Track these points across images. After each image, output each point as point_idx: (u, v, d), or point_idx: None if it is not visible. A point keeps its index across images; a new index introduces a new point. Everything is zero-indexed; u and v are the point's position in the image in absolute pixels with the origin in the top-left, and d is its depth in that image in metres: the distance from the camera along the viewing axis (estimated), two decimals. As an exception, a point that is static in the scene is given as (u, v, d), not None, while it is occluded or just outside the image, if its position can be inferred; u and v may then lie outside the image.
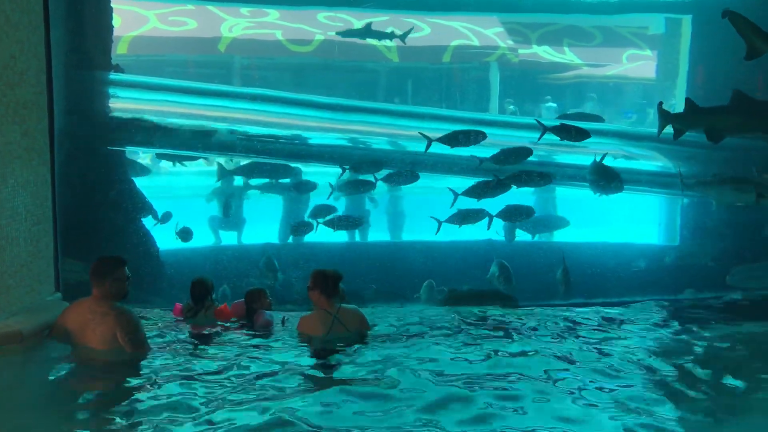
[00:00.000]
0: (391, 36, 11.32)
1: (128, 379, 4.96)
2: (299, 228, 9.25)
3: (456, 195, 8.85)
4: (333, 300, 5.84)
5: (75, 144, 7.66)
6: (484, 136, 8.64)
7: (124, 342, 5.27)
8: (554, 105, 14.59)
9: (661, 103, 8.35)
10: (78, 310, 5.43)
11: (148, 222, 8.59)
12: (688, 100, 8.08)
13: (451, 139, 8.61)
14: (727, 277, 8.71)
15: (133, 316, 5.45)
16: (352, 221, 9.42)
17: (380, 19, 14.25)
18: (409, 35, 11.38)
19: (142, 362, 5.29)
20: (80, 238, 7.47)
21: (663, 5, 10.71)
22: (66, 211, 7.17)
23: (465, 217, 8.85)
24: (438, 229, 8.84)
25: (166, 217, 9.23)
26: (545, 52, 15.91)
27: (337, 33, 11.93)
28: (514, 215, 8.99)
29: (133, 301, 5.83)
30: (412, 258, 9.16)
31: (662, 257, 9.52)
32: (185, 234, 9.08)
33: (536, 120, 9.04)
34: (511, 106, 15.10)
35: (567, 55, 15.88)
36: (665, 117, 8.21)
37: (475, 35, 15.27)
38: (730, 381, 5.11)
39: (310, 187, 9.63)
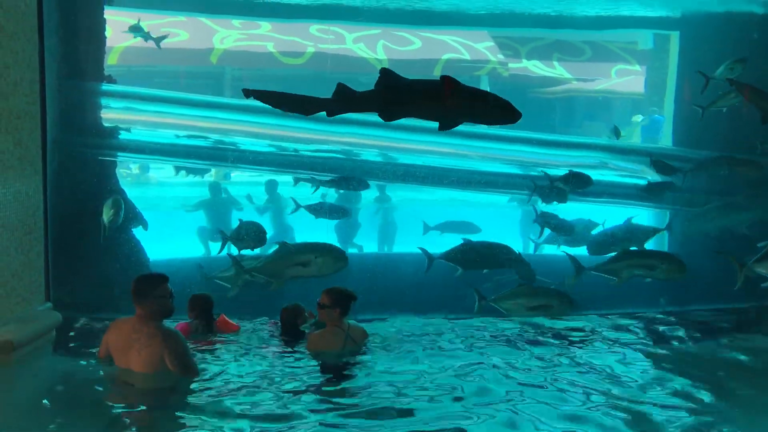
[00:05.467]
0: (159, 40, 11.22)
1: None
2: None
3: (298, 206, 9.13)
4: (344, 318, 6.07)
5: (67, 154, 7.65)
6: None
7: (173, 366, 4.90)
8: None
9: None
10: (121, 328, 5.10)
11: (138, 232, 8.55)
12: None
13: None
14: None
15: (182, 338, 5.13)
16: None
17: (372, 32, 14.36)
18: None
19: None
20: (71, 248, 7.44)
21: (651, 21, 10.83)
22: (57, 221, 7.15)
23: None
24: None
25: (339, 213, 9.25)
26: (535, 67, 16.04)
27: (124, 31, 11.54)
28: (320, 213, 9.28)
29: (124, 312, 5.75)
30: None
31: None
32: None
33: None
34: None
35: (557, 70, 16.02)
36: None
37: (466, 49, 15.38)
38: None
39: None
